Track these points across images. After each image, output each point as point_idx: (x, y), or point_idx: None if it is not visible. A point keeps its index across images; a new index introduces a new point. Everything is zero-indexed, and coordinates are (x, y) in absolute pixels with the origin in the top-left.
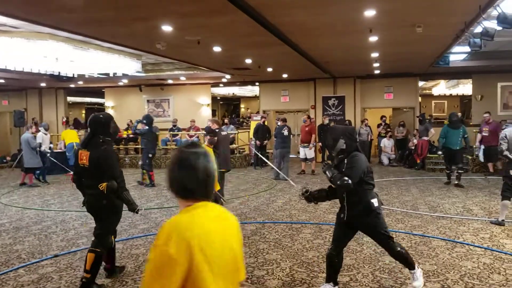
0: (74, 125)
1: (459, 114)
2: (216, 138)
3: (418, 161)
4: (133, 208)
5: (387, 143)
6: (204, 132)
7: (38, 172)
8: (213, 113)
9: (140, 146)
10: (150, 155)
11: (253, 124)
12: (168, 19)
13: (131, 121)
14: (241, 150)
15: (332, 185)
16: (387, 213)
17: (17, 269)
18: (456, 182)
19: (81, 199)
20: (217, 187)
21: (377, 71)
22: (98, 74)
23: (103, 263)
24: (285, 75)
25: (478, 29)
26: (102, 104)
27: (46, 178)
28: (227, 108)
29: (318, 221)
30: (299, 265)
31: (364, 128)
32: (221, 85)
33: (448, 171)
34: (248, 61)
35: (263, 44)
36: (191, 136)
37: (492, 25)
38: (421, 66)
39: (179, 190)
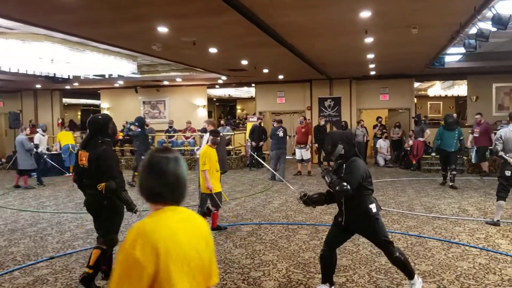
0: (70, 126)
1: (455, 115)
2: (219, 138)
3: (414, 162)
4: (131, 208)
5: (383, 144)
6: (200, 133)
7: (35, 174)
8: (209, 114)
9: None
10: (143, 157)
11: (249, 126)
12: (164, 20)
13: (126, 122)
14: (237, 152)
15: (331, 190)
16: (383, 214)
17: (12, 272)
18: (451, 184)
19: (77, 201)
20: (219, 189)
21: (372, 72)
22: (94, 75)
23: None
24: (281, 76)
25: (473, 30)
26: (97, 106)
27: (41, 180)
28: (223, 110)
29: (314, 222)
30: (296, 266)
31: (360, 129)
32: (217, 86)
33: (443, 172)
34: (244, 62)
35: (259, 45)
36: (187, 138)
37: (487, 26)
38: (416, 67)
39: (149, 194)
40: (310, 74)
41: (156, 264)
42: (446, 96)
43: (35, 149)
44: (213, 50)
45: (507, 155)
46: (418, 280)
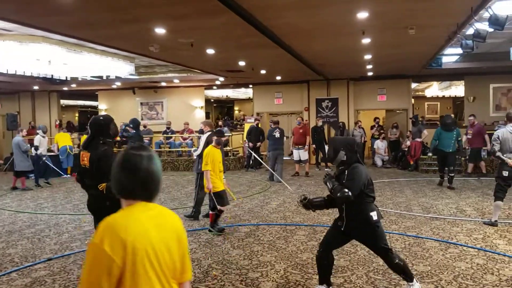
0: (67, 128)
1: (453, 116)
2: (223, 138)
3: (412, 163)
4: None
5: (380, 145)
6: (197, 134)
7: (33, 175)
8: (207, 115)
9: None
10: None
11: (246, 127)
12: (161, 22)
13: (122, 123)
14: (235, 153)
15: (332, 196)
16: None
17: (10, 273)
18: (448, 185)
19: (75, 202)
20: (221, 187)
21: (370, 73)
22: (91, 77)
23: None
24: (278, 77)
25: (470, 31)
26: (95, 107)
27: (39, 182)
28: (220, 111)
29: (312, 223)
30: (294, 267)
31: (358, 130)
32: (214, 87)
33: (441, 173)
34: (242, 63)
35: (257, 46)
36: (184, 139)
37: (484, 27)
38: (413, 68)
39: (120, 189)
40: (307, 75)
41: (124, 260)
42: (443, 96)
43: (35, 151)
44: (210, 51)
45: (505, 155)
46: (416, 284)
